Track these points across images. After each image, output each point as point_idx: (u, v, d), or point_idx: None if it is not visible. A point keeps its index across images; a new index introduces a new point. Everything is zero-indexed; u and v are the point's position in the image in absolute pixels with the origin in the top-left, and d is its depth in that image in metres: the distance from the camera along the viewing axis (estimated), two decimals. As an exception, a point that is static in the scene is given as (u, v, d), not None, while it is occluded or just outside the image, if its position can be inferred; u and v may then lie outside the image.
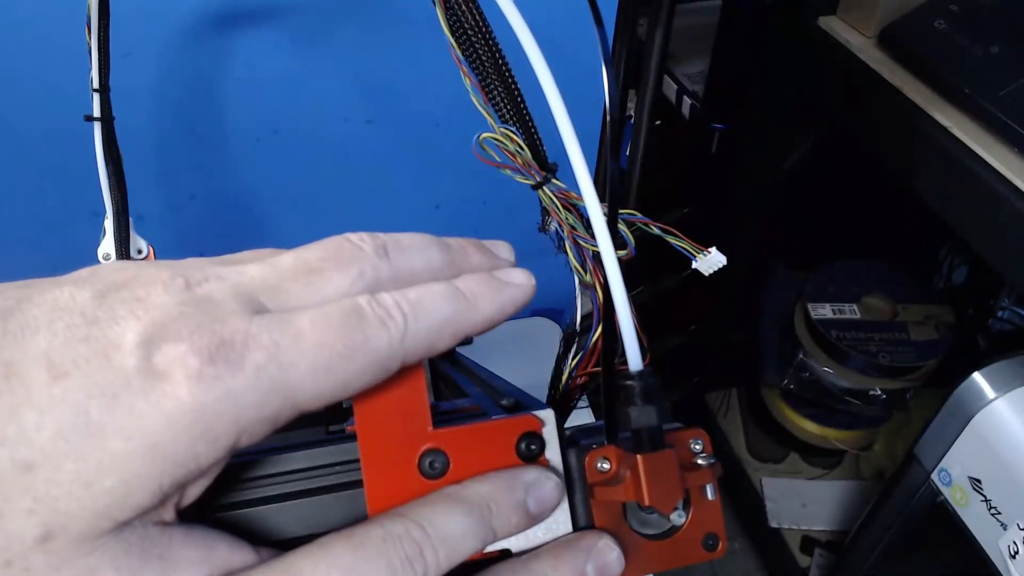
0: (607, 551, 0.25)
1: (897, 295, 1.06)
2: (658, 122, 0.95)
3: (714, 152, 1.04)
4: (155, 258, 0.52)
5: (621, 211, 0.30)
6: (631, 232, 0.31)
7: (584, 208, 0.31)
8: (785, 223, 1.09)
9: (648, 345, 0.27)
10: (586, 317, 0.31)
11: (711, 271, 0.31)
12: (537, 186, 0.31)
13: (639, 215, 0.31)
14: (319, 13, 0.66)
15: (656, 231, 0.31)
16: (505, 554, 0.25)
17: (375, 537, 0.22)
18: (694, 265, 0.31)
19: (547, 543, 0.25)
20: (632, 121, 0.94)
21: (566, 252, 0.31)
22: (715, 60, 1.01)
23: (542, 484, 0.24)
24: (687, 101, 1.06)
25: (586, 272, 0.31)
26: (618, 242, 0.30)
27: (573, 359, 0.32)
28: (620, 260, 0.29)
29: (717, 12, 1.00)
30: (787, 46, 0.88)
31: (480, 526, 0.23)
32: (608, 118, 0.28)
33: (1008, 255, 0.66)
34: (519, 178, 0.31)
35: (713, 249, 0.30)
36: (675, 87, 1.08)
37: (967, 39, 0.71)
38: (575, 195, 0.31)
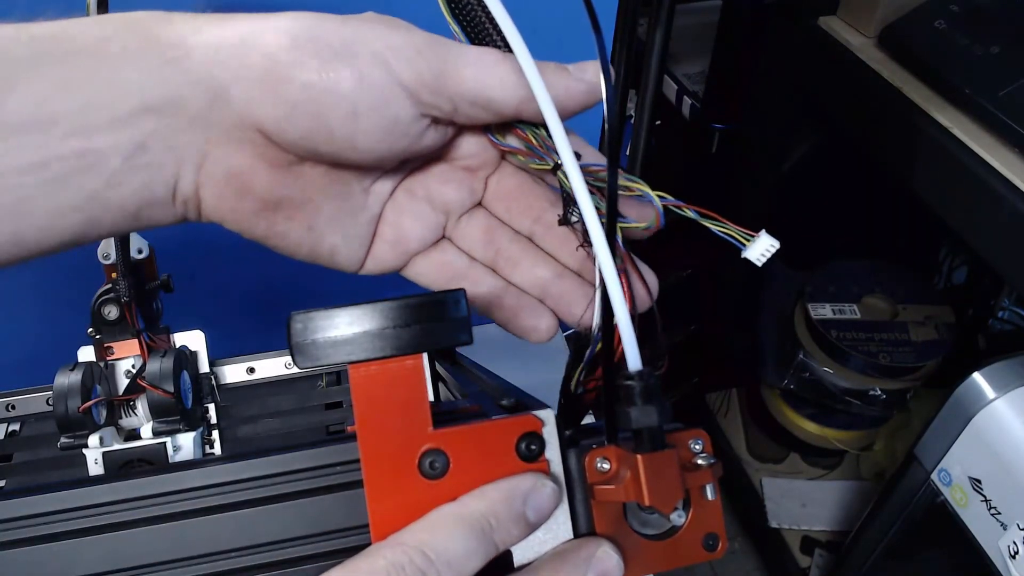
0: (606, 559, 0.25)
1: (897, 295, 1.06)
2: (658, 122, 0.95)
3: (714, 152, 1.04)
4: (155, 258, 0.52)
5: (657, 192, 0.28)
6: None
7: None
8: (785, 223, 1.08)
9: (665, 340, 0.26)
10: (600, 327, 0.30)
11: (764, 259, 0.27)
12: (556, 168, 0.28)
13: (670, 197, 0.28)
14: (320, 11, 0.66)
15: (690, 214, 0.27)
16: (505, 553, 0.25)
17: (379, 570, 0.22)
18: (744, 254, 0.27)
19: (546, 553, 0.25)
20: (632, 121, 0.94)
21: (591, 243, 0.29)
22: (715, 60, 1.01)
23: (539, 491, 0.24)
24: (687, 101, 1.06)
25: (616, 256, 0.29)
26: (645, 215, 0.28)
27: (583, 367, 0.30)
28: (648, 231, 0.28)
29: (717, 12, 1.00)
30: (787, 46, 0.88)
31: (482, 543, 0.23)
32: (607, 126, 0.27)
33: (1008, 255, 0.66)
34: (535, 164, 0.29)
35: (762, 232, 0.27)
36: (675, 87, 1.08)
37: (967, 39, 0.71)
38: (601, 169, 0.28)
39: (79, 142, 0.24)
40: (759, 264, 0.28)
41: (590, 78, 0.27)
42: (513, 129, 0.29)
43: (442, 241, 0.33)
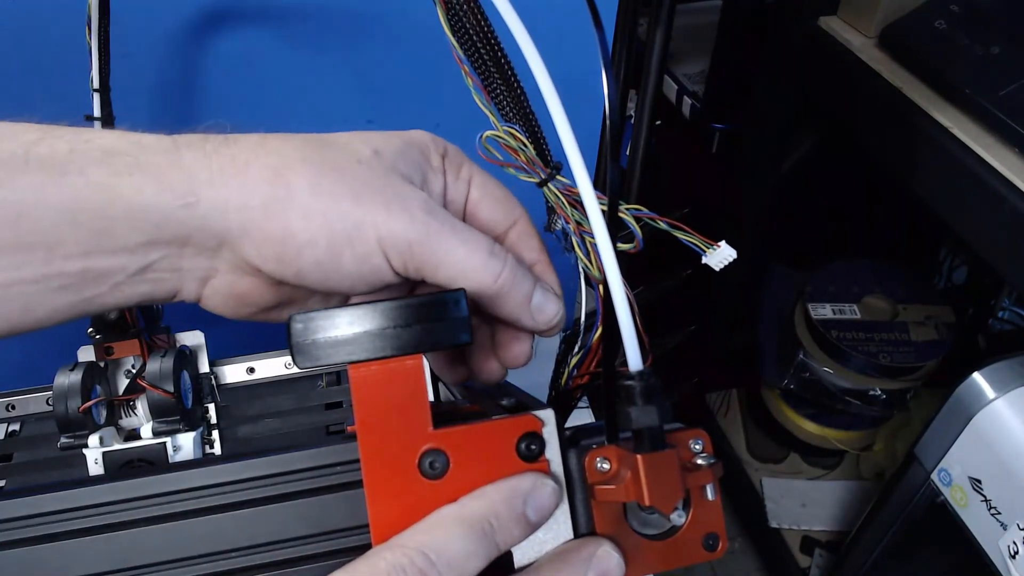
0: (606, 558, 0.25)
1: (897, 295, 1.06)
2: (658, 122, 0.95)
3: (714, 152, 1.04)
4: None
5: (628, 206, 0.30)
6: (639, 226, 0.30)
7: None
8: (785, 223, 1.09)
9: (649, 346, 0.27)
10: (589, 316, 0.31)
11: (722, 265, 0.30)
12: (542, 183, 0.30)
13: (645, 210, 0.30)
14: (319, 13, 0.66)
15: (664, 226, 0.30)
16: (506, 553, 0.25)
17: (379, 573, 0.22)
18: (704, 260, 0.30)
19: (547, 553, 0.25)
20: (632, 121, 0.94)
21: (574, 249, 0.31)
22: (715, 60, 1.01)
23: (539, 491, 0.24)
24: (687, 101, 1.06)
25: (594, 267, 0.31)
26: (625, 235, 0.30)
27: (573, 358, 0.32)
28: (627, 253, 0.29)
29: (717, 12, 1.00)
30: (787, 46, 0.88)
31: (483, 544, 0.23)
32: (608, 123, 0.28)
33: (1008, 255, 0.65)
34: (523, 176, 0.31)
35: (723, 243, 0.30)
36: (675, 87, 1.08)
37: (967, 39, 0.71)
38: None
39: (84, 263, 0.26)
40: (717, 269, 0.30)
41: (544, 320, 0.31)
42: (504, 145, 0.31)
43: None
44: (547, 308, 0.30)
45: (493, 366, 0.34)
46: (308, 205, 0.27)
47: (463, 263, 0.28)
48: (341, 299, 0.33)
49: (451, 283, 0.29)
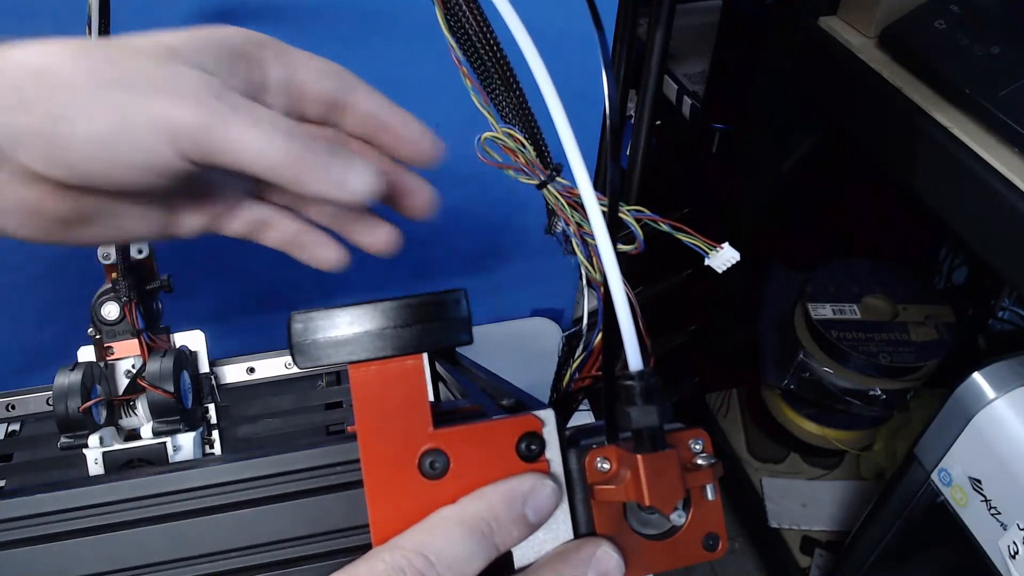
0: (606, 559, 0.25)
1: (897, 295, 1.06)
2: (658, 122, 0.95)
3: (714, 152, 1.04)
4: (155, 258, 0.52)
5: (629, 207, 0.30)
6: (639, 227, 0.30)
7: None
8: (785, 223, 1.09)
9: (651, 347, 0.27)
10: (592, 315, 0.31)
11: (725, 267, 0.30)
12: (541, 185, 0.30)
13: (647, 211, 0.30)
14: (317, 13, 0.66)
15: (665, 228, 0.30)
16: (505, 554, 0.25)
17: (379, 574, 0.22)
18: (707, 262, 0.30)
19: (547, 553, 0.25)
20: (632, 121, 0.94)
21: (574, 251, 0.31)
22: (715, 60, 1.01)
23: (539, 492, 0.24)
24: (687, 101, 1.06)
25: (595, 269, 0.31)
26: (626, 236, 0.30)
27: (575, 361, 0.32)
28: (629, 254, 0.29)
29: (717, 12, 1.00)
30: (787, 46, 0.88)
31: (483, 545, 0.23)
32: (608, 123, 0.28)
33: (1008, 255, 0.65)
34: (523, 178, 0.30)
35: (725, 244, 0.30)
36: (675, 87, 1.08)
37: (967, 39, 0.71)
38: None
39: None
40: (719, 271, 0.30)
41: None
42: (503, 147, 0.31)
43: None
44: (351, 177, 0.27)
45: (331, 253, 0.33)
46: (72, 96, 0.25)
47: (251, 144, 0.26)
48: (151, 205, 0.30)
49: (243, 167, 0.26)
